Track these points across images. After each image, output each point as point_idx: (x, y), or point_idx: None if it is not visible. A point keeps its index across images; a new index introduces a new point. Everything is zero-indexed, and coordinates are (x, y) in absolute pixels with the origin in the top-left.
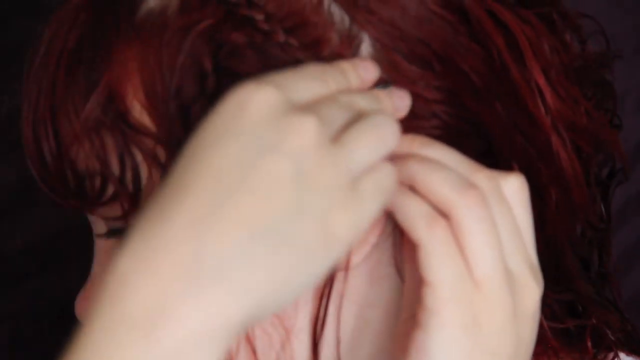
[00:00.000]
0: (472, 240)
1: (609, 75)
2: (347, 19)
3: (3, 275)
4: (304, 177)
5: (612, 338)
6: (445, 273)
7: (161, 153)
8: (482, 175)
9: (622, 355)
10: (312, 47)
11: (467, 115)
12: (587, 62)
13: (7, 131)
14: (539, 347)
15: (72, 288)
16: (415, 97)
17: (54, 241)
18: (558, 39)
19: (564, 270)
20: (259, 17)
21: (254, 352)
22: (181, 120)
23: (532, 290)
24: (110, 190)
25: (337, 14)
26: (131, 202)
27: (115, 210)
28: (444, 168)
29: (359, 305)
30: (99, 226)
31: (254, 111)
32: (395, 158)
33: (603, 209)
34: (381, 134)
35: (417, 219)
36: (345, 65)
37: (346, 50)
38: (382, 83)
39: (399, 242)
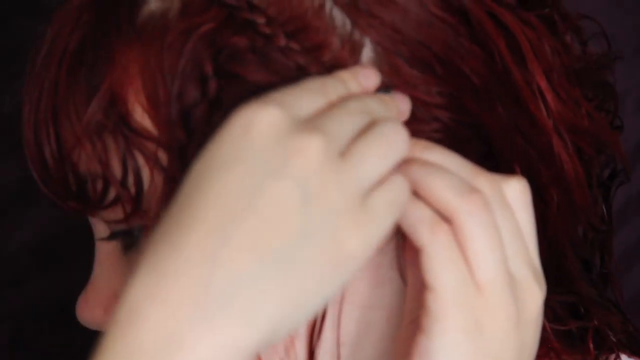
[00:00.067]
0: (474, 245)
1: (610, 76)
2: (348, 23)
3: (3, 275)
4: (310, 200)
5: (614, 339)
6: (448, 278)
7: (163, 156)
8: (484, 179)
9: (623, 356)
10: (313, 51)
11: (468, 118)
12: (587, 63)
13: (7, 131)
14: (541, 349)
15: (72, 288)
16: (417, 101)
17: (54, 241)
18: (559, 40)
19: (565, 272)
20: (261, 20)
21: (259, 357)
22: (183, 124)
23: (534, 294)
24: (112, 193)
25: (339, 18)
26: (133, 205)
27: (117, 213)
28: (446, 172)
29: (360, 307)
30: (100, 229)
31: (258, 134)
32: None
33: (604, 210)
34: (390, 143)
35: (419, 224)
36: (345, 75)
37: (347, 54)
38: (383, 88)
39: (401, 246)
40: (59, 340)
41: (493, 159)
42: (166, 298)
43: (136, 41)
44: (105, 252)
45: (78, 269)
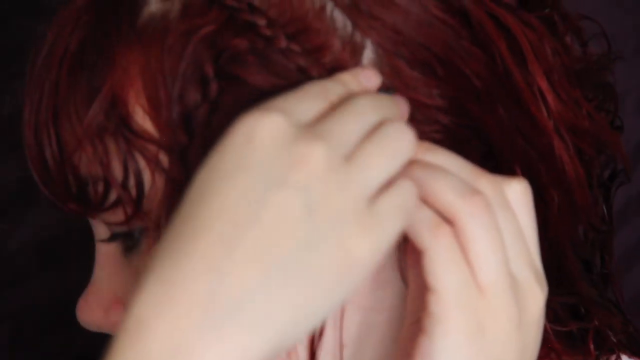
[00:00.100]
0: (476, 247)
1: (610, 76)
2: (349, 25)
3: (3, 275)
4: (314, 208)
5: (615, 340)
6: (450, 279)
7: (164, 158)
8: (485, 181)
9: (624, 357)
10: (314, 53)
11: (469, 119)
12: (587, 64)
13: (7, 131)
14: (542, 350)
15: (72, 288)
16: (417, 103)
17: (54, 241)
18: (559, 41)
19: (566, 273)
20: (261, 22)
21: None
22: (183, 126)
23: (536, 295)
24: (113, 195)
25: (340, 20)
26: (134, 207)
27: (118, 215)
28: (447, 174)
29: (362, 309)
30: (100, 231)
31: (260, 143)
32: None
33: (604, 211)
34: (396, 145)
35: (421, 226)
36: (346, 77)
37: (348, 56)
38: (384, 89)
39: (402, 247)
40: (59, 340)
41: (494, 159)
42: (173, 308)
43: (137, 43)
44: (106, 254)
45: (78, 269)
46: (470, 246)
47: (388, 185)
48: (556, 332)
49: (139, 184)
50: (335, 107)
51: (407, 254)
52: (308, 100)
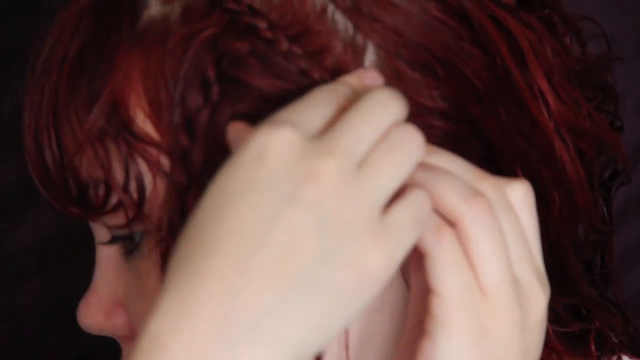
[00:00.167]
0: (479, 249)
1: (610, 76)
2: (350, 27)
3: (3, 275)
4: (327, 223)
5: (616, 341)
6: (453, 282)
7: (165, 162)
8: (487, 183)
9: (625, 358)
10: (315, 55)
11: (469, 120)
12: (587, 64)
13: (7, 131)
14: (544, 351)
15: (72, 288)
16: (419, 104)
17: (54, 241)
18: (559, 41)
19: (567, 274)
20: (262, 25)
21: None
22: (185, 129)
23: (539, 297)
24: (114, 198)
25: (341, 22)
26: (135, 211)
27: (119, 218)
28: (450, 176)
29: (365, 311)
30: (101, 234)
31: (271, 160)
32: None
33: (605, 211)
34: (407, 151)
35: (424, 228)
36: (351, 79)
37: (350, 58)
38: None
39: None
40: (59, 340)
41: (494, 161)
42: (189, 327)
43: (137, 46)
44: (106, 257)
45: (78, 269)
46: (473, 249)
47: (399, 193)
48: (557, 333)
49: (140, 187)
50: (344, 110)
51: (409, 256)
52: (317, 108)
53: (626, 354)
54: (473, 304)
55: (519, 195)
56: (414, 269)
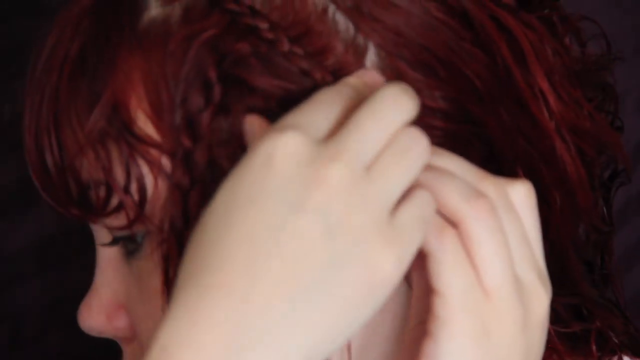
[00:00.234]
0: (481, 250)
1: (610, 76)
2: (351, 28)
3: (3, 275)
4: (335, 229)
5: (616, 341)
6: (455, 283)
7: (166, 163)
8: (489, 183)
9: (626, 358)
10: (316, 55)
11: (470, 121)
12: (587, 64)
13: (7, 132)
14: (545, 351)
15: (72, 288)
16: (420, 106)
17: (54, 241)
18: (559, 41)
19: (568, 274)
20: (263, 26)
21: None
22: (187, 130)
23: (541, 297)
24: (115, 200)
25: (342, 22)
26: (136, 212)
27: (120, 219)
28: (452, 177)
29: None
30: (101, 235)
31: (278, 166)
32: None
33: (605, 211)
34: (413, 155)
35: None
36: (353, 80)
37: (351, 58)
38: None
39: None
40: (59, 340)
41: (495, 161)
42: (198, 338)
43: (138, 48)
44: (107, 259)
45: (78, 269)
46: (475, 249)
47: (406, 196)
48: (558, 333)
49: (142, 188)
50: (350, 112)
51: None
52: (322, 111)
53: (627, 354)
54: (475, 305)
55: (521, 196)
56: (415, 269)
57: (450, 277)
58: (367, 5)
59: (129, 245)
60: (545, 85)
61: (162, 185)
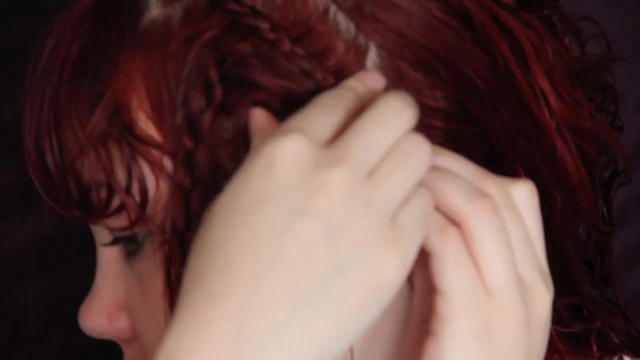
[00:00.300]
0: (484, 250)
1: (610, 76)
2: (352, 28)
3: (3, 275)
4: (337, 234)
5: (617, 341)
6: (458, 282)
7: (168, 163)
8: (492, 183)
9: (626, 358)
10: (318, 56)
11: (471, 121)
12: (587, 64)
13: (7, 132)
14: (546, 351)
15: (72, 288)
16: (421, 105)
17: (54, 241)
18: (559, 41)
19: (569, 274)
20: (264, 26)
21: None
22: (188, 131)
23: (543, 297)
24: (116, 201)
25: (343, 22)
26: (138, 213)
27: (121, 220)
28: (454, 177)
29: None
30: (102, 235)
31: (281, 170)
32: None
33: (605, 211)
34: (415, 160)
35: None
36: (353, 83)
37: (352, 58)
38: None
39: None
40: (59, 340)
41: (496, 161)
42: (203, 346)
43: (138, 48)
44: (108, 259)
45: (78, 269)
46: (478, 249)
47: (406, 197)
48: (559, 333)
49: (143, 189)
50: (351, 116)
51: None
52: (324, 115)
53: (627, 354)
54: (478, 304)
55: (523, 196)
56: (417, 268)
57: (453, 276)
58: (368, 5)
59: (129, 245)
60: (546, 85)
61: (164, 186)
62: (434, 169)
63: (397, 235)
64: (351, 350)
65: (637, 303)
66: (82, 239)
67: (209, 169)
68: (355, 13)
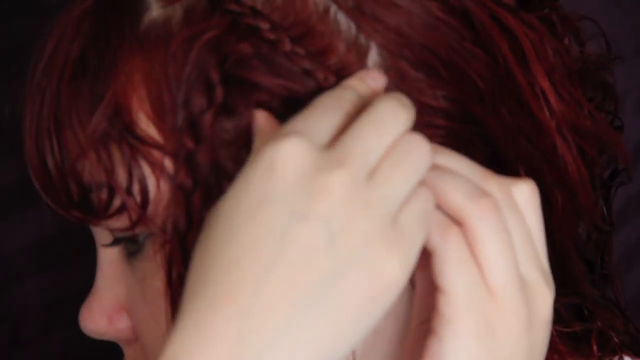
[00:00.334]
0: (486, 249)
1: (610, 76)
2: (353, 27)
3: (3, 275)
4: (338, 237)
5: (617, 341)
6: (460, 281)
7: (169, 164)
8: (493, 182)
9: (626, 358)
10: (318, 55)
11: (472, 120)
12: (587, 64)
13: (7, 132)
14: (547, 352)
15: (72, 288)
16: (422, 105)
17: (54, 241)
18: (559, 41)
19: (570, 274)
20: (265, 26)
21: None
22: (189, 132)
23: (545, 297)
24: (117, 202)
25: (344, 22)
26: (139, 213)
27: (122, 221)
28: (456, 176)
29: None
30: (103, 236)
31: (282, 173)
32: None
33: (604, 211)
34: (416, 160)
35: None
36: (353, 82)
37: (353, 58)
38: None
39: None
40: (59, 340)
41: (497, 161)
42: (205, 351)
43: (139, 49)
44: (108, 260)
45: (78, 269)
46: (479, 248)
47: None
48: (560, 333)
49: (144, 189)
50: (352, 116)
51: None
52: (324, 116)
53: (628, 354)
54: (480, 303)
55: (525, 195)
56: (418, 268)
57: (454, 275)
58: (369, 5)
59: (130, 246)
60: (546, 85)
61: (165, 186)
62: (435, 168)
63: (398, 236)
64: (353, 351)
65: (637, 303)
66: (82, 239)
67: (210, 170)
68: (356, 13)
